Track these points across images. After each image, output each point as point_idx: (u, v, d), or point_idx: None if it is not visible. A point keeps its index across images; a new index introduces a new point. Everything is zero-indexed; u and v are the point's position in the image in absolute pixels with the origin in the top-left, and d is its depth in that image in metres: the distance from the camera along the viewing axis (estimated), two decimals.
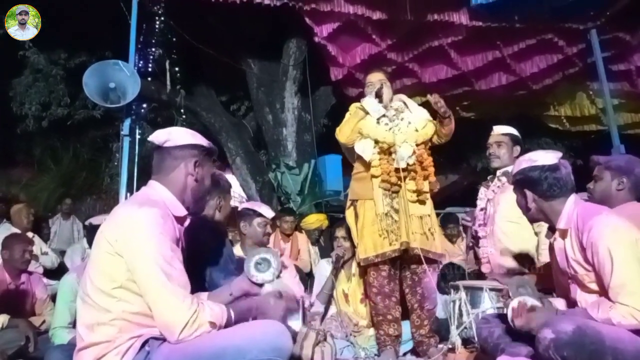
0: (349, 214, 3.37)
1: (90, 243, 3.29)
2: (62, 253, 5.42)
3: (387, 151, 3.13)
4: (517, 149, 3.09)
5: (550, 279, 2.23)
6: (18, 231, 4.68)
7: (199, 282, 1.92)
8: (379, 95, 3.21)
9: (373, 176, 3.14)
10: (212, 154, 1.87)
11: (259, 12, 5.29)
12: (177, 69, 5.73)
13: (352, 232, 3.31)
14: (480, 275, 3.23)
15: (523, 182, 2.05)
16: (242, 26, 6.44)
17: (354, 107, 3.34)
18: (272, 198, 6.60)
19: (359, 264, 3.28)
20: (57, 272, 4.70)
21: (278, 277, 1.90)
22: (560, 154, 2.05)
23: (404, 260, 3.16)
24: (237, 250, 3.20)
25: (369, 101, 3.21)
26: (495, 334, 2.10)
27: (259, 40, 6.78)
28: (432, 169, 3.17)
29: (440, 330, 3.16)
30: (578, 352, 1.64)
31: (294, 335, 1.78)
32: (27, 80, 6.80)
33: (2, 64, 6.23)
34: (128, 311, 1.55)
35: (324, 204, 6.28)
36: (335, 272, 3.49)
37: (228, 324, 1.60)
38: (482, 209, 3.12)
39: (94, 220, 3.40)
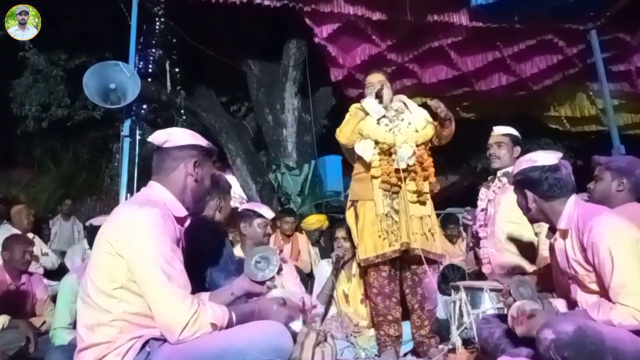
0: (349, 215, 3.37)
1: (90, 244, 3.30)
2: (62, 254, 5.43)
3: (387, 152, 3.13)
4: (518, 149, 3.09)
5: (550, 279, 2.24)
6: (18, 232, 4.69)
7: (199, 283, 1.92)
8: (379, 96, 3.21)
9: (373, 177, 3.14)
10: (212, 154, 1.87)
11: (259, 12, 5.29)
12: (177, 69, 5.73)
13: (353, 233, 3.31)
14: (480, 276, 3.22)
15: (523, 183, 2.05)
16: (242, 27, 6.44)
17: (354, 107, 3.34)
18: (272, 199, 6.60)
19: (359, 264, 3.28)
20: (57, 273, 4.70)
21: (278, 273, 1.90)
22: (560, 155, 2.05)
23: (404, 260, 3.16)
24: (238, 251, 3.20)
25: (369, 102, 3.21)
26: (495, 335, 2.09)
27: (259, 41, 6.79)
28: (432, 170, 3.17)
29: (441, 330, 3.17)
30: (579, 353, 1.64)
31: (294, 336, 1.78)
32: (27, 81, 6.81)
33: (2, 64, 6.24)
34: (128, 312, 1.55)
35: (324, 205, 6.28)
36: (336, 272, 3.49)
37: (229, 326, 1.60)
38: (482, 210, 3.12)
39: (95, 221, 3.40)
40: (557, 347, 1.66)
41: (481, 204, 3.15)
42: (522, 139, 3.17)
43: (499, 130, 3.15)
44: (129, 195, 4.10)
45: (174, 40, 5.47)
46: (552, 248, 2.10)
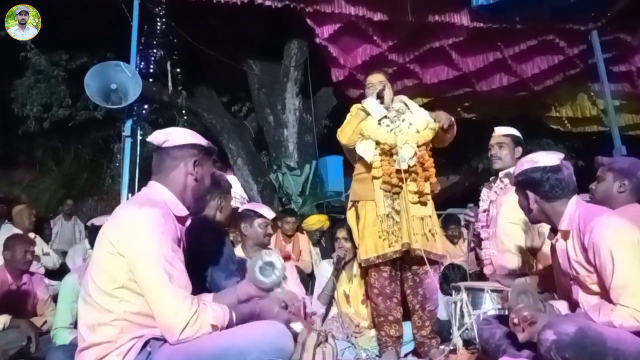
0: (350, 215, 3.36)
1: (91, 244, 3.30)
2: (63, 254, 5.44)
3: (388, 152, 3.13)
4: (519, 150, 3.08)
5: (551, 280, 2.23)
6: (20, 232, 4.69)
7: (200, 283, 1.92)
8: (380, 97, 3.21)
9: (374, 177, 3.14)
10: (212, 153, 1.87)
11: (260, 13, 5.30)
12: (178, 70, 5.75)
13: (353, 233, 3.31)
14: (481, 277, 3.22)
15: (525, 184, 2.05)
16: (243, 27, 6.45)
17: (355, 108, 3.34)
18: (273, 199, 6.61)
19: (360, 264, 3.28)
20: (58, 273, 4.71)
21: (284, 278, 1.90)
22: (562, 155, 2.05)
23: (405, 261, 3.15)
24: (239, 252, 3.20)
25: (370, 102, 3.21)
26: (496, 335, 2.09)
27: (260, 41, 6.79)
28: (433, 170, 3.16)
29: (442, 331, 3.16)
30: (580, 354, 1.64)
31: (295, 336, 1.78)
32: (28, 82, 6.82)
33: (3, 65, 6.25)
34: (129, 311, 1.55)
35: (325, 205, 6.29)
36: (337, 273, 3.49)
37: (229, 326, 1.60)
38: (484, 211, 3.12)
39: (96, 221, 3.41)
40: (558, 348, 1.65)
41: (483, 204, 3.14)
42: (523, 139, 3.17)
43: (500, 131, 3.15)
44: (130, 195, 4.10)
45: (175, 40, 5.48)
46: (553, 249, 2.09)
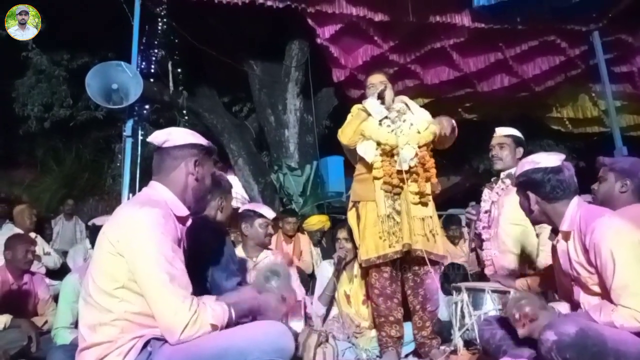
0: (351, 216, 3.36)
1: (92, 243, 3.29)
2: (64, 253, 5.45)
3: (389, 153, 3.12)
4: (520, 150, 3.08)
5: (552, 281, 2.23)
6: (21, 232, 4.70)
7: (200, 283, 1.92)
8: (381, 97, 3.20)
9: (375, 178, 3.14)
10: (212, 153, 1.87)
11: (261, 13, 5.30)
12: (179, 70, 5.75)
13: (354, 234, 3.30)
14: (482, 277, 3.22)
15: (526, 184, 2.04)
16: (244, 27, 6.45)
17: (356, 108, 3.34)
18: (274, 199, 6.61)
19: (360, 265, 3.28)
20: (59, 273, 4.71)
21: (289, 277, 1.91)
22: (563, 156, 2.05)
23: (405, 261, 3.15)
24: (239, 252, 3.21)
25: (371, 103, 3.21)
26: (497, 336, 2.09)
27: (261, 41, 6.80)
28: (434, 171, 3.16)
29: (443, 331, 3.16)
30: (580, 354, 1.64)
31: (296, 337, 1.78)
32: (29, 81, 6.83)
33: (4, 65, 6.26)
34: (130, 311, 1.55)
35: (326, 206, 6.29)
36: (337, 273, 3.49)
37: (229, 324, 1.60)
38: (486, 212, 3.12)
39: (97, 221, 3.41)
40: (559, 349, 1.65)
41: (485, 205, 3.14)
42: (524, 140, 3.17)
43: (501, 132, 3.15)
44: (131, 195, 4.11)
45: (177, 40, 5.48)
46: (554, 250, 2.09)
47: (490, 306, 2.55)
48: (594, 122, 7.28)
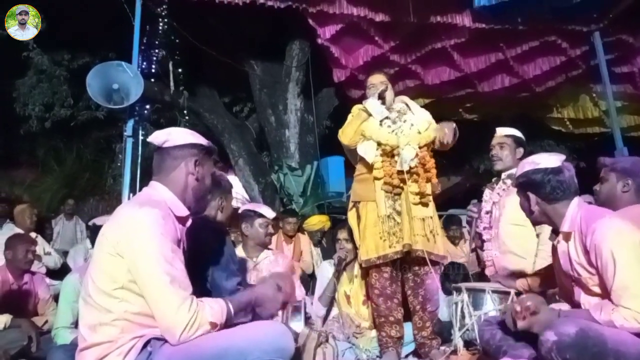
0: (351, 216, 3.36)
1: (93, 243, 3.29)
2: (64, 253, 5.45)
3: (389, 153, 3.12)
4: (520, 150, 3.08)
5: (552, 281, 2.23)
6: (21, 231, 4.71)
7: (200, 283, 1.92)
8: (382, 97, 3.21)
9: (375, 178, 3.14)
10: (212, 153, 1.87)
11: (261, 13, 5.30)
12: (180, 70, 5.74)
13: (354, 234, 3.31)
14: (482, 277, 3.22)
15: (526, 185, 2.04)
16: (245, 28, 6.45)
17: (356, 108, 3.34)
18: (274, 199, 6.60)
19: (361, 265, 3.28)
20: (59, 273, 4.72)
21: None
22: (563, 157, 2.05)
23: (406, 262, 3.15)
24: (240, 252, 3.21)
25: (372, 103, 3.21)
26: (497, 336, 2.09)
27: (261, 41, 6.80)
28: (434, 171, 3.16)
29: (443, 332, 3.16)
30: (580, 355, 1.64)
31: (296, 337, 1.78)
32: (30, 81, 6.83)
33: (5, 64, 6.26)
34: (130, 311, 1.55)
35: (327, 206, 6.28)
36: (338, 273, 3.49)
37: (228, 319, 1.60)
38: (487, 212, 3.11)
39: (97, 221, 3.41)
40: (559, 349, 1.65)
41: (486, 206, 3.14)
42: (525, 140, 3.17)
43: (501, 132, 3.15)
44: (131, 195, 4.11)
45: (177, 40, 5.48)
46: (554, 250, 2.09)
47: (491, 306, 2.55)
48: (595, 122, 7.27)
